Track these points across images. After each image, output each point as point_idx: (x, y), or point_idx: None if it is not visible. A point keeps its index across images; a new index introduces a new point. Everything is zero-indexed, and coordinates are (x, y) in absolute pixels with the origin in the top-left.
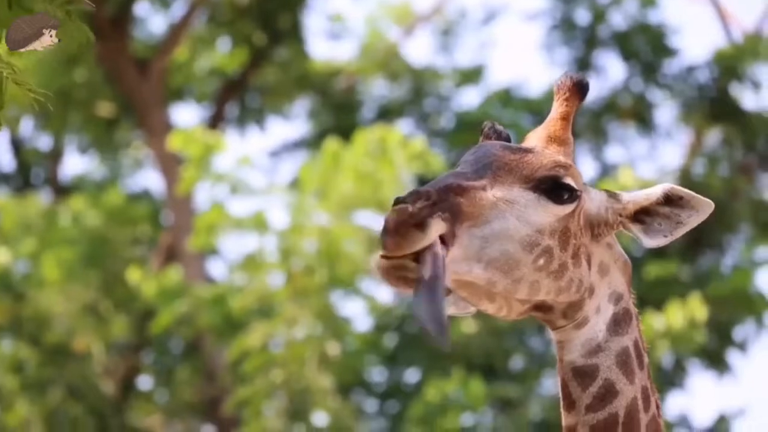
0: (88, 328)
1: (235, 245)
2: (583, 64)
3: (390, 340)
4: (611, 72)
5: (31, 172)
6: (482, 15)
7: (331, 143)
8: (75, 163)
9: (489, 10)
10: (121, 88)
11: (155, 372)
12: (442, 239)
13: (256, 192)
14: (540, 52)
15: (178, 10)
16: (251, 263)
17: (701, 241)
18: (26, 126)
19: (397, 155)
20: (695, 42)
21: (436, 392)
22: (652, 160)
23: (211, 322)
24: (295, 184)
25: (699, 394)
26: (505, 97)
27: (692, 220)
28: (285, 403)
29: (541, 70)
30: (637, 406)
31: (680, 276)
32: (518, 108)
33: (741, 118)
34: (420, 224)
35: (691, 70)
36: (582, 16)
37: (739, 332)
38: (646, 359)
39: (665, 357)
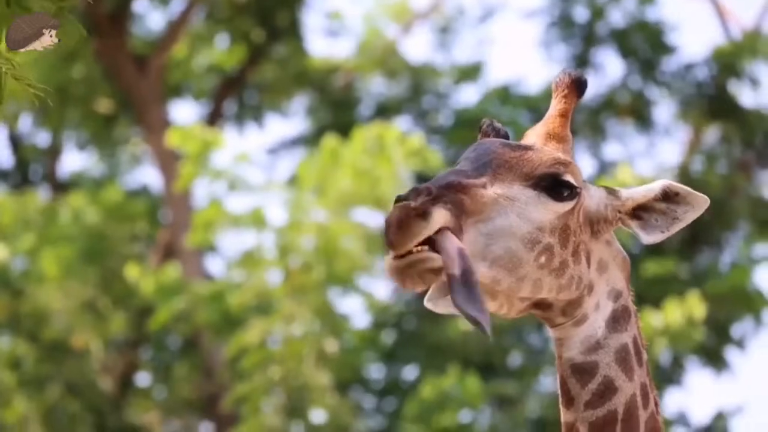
0: (86, 324)
1: (233, 242)
2: (582, 61)
3: (388, 337)
4: (609, 69)
5: (29, 168)
6: (480, 12)
7: (330, 140)
8: (73, 160)
9: (487, 7)
10: (119, 84)
11: (153, 369)
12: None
13: (255, 189)
14: (538, 49)
15: (177, 6)
16: (249, 260)
17: (699, 238)
18: (25, 122)
19: (396, 152)
20: (694, 39)
21: (432, 389)
22: (650, 158)
23: (209, 319)
24: (293, 181)
25: (697, 392)
26: (504, 95)
27: (688, 215)
28: (283, 400)
29: (539, 68)
30: (636, 403)
31: (678, 273)
32: (516, 105)
33: (739, 116)
34: (422, 214)
35: (689, 67)
36: (580, 14)
37: (737, 329)
38: (645, 356)
39: (663, 354)
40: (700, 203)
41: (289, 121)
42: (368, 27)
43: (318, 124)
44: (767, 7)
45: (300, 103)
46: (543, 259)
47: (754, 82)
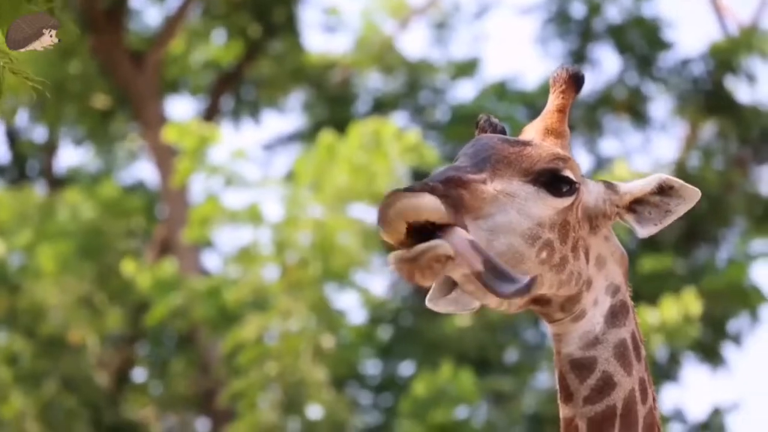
0: (82, 320)
1: (229, 238)
2: (578, 57)
3: (384, 333)
4: (606, 65)
5: (26, 163)
6: (477, 8)
7: (326, 136)
8: (70, 155)
9: (483, 3)
10: (116, 80)
11: (149, 364)
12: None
13: (251, 184)
14: (535, 45)
15: (173, 2)
16: (246, 256)
17: (696, 234)
18: (21, 117)
19: (392, 148)
20: (690, 35)
21: (425, 386)
22: (646, 153)
23: (206, 315)
24: (290, 177)
25: (693, 388)
26: (500, 90)
27: (680, 208)
28: (279, 396)
29: (535, 63)
30: (634, 398)
31: (675, 269)
32: (513, 101)
33: (736, 112)
34: (413, 190)
35: (686, 63)
36: (577, 9)
37: (733, 325)
38: (643, 351)
39: (660, 350)
40: (692, 196)
41: (286, 116)
42: (365, 23)
43: (315, 119)
44: (764, 3)
45: (297, 98)
46: (544, 254)
47: (751, 78)
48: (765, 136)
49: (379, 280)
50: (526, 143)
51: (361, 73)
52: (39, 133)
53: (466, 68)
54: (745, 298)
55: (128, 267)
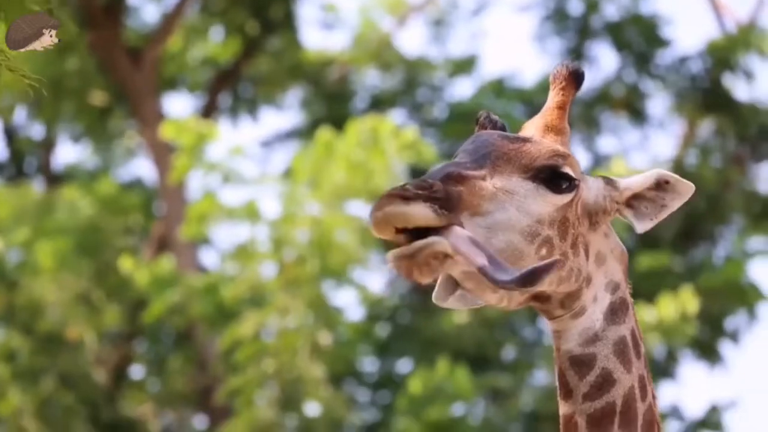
0: (80, 317)
1: (227, 235)
2: (576, 54)
3: (382, 330)
4: (604, 62)
5: (24, 160)
6: (474, 5)
7: (324, 133)
8: (68, 152)
9: (481, 0)
10: (113, 77)
11: (147, 361)
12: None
13: (249, 181)
14: (532, 42)
15: None
16: (243, 253)
17: (694, 232)
18: (19, 115)
19: (390, 145)
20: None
21: (421, 383)
22: (644, 151)
23: (204, 312)
24: (288, 174)
25: (691, 385)
26: (498, 88)
27: (674, 202)
28: (277, 393)
29: (533, 61)
30: (634, 395)
31: (672, 267)
32: (511, 98)
33: (734, 109)
34: (405, 197)
35: (683, 60)
36: (575, 7)
37: (731, 323)
38: (642, 348)
39: (657, 348)
40: (686, 190)
41: (284, 113)
42: (363, 20)
43: (312, 116)
44: (762, 1)
45: (294, 95)
46: (543, 251)
47: (749, 76)
48: (763, 134)
49: (376, 277)
50: (525, 140)
51: (359, 71)
52: (37, 130)
53: (464, 65)
54: (742, 295)
55: (126, 264)
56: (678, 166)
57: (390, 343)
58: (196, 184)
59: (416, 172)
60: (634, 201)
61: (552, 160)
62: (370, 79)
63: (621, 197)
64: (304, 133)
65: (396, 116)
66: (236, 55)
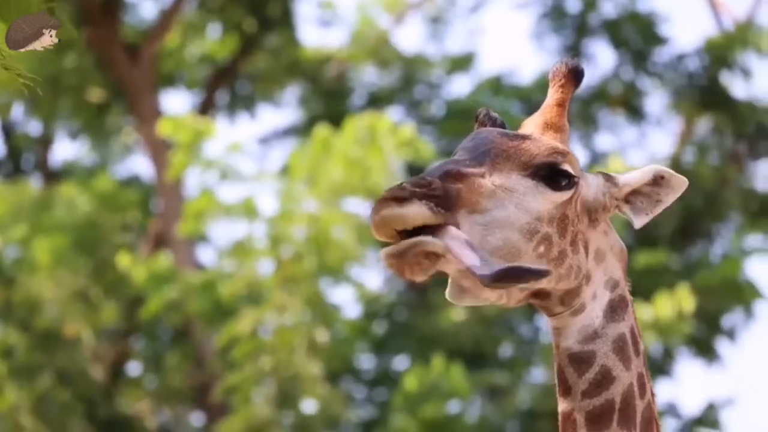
0: (77, 313)
1: (224, 232)
2: (574, 52)
3: (379, 328)
4: (601, 60)
5: (21, 157)
6: (472, 3)
7: (321, 130)
8: (65, 149)
9: None
10: (111, 73)
11: (144, 358)
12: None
13: (246, 179)
14: (530, 39)
15: None
16: (240, 250)
17: (691, 229)
18: (17, 111)
19: (387, 142)
20: (685, 30)
21: (416, 380)
22: (642, 148)
23: (201, 309)
24: (285, 171)
25: (688, 383)
26: (496, 85)
27: (669, 197)
28: (274, 390)
29: (531, 58)
30: (633, 393)
31: (670, 265)
32: (508, 96)
33: (731, 107)
34: (400, 199)
35: (681, 58)
36: (572, 4)
37: (728, 321)
38: (641, 346)
39: (654, 345)
40: (680, 185)
41: (281, 111)
42: (360, 17)
43: (310, 114)
44: None
45: (292, 93)
46: (542, 248)
47: (746, 74)
48: (760, 132)
49: (373, 274)
50: (525, 137)
51: (357, 68)
52: (34, 127)
53: (462, 63)
54: (739, 293)
55: (123, 261)
56: (675, 164)
57: (387, 341)
58: (193, 181)
59: (414, 169)
60: (631, 197)
61: (551, 158)
62: (368, 77)
63: (620, 193)
64: (302, 131)
65: (393, 113)
66: (234, 52)
